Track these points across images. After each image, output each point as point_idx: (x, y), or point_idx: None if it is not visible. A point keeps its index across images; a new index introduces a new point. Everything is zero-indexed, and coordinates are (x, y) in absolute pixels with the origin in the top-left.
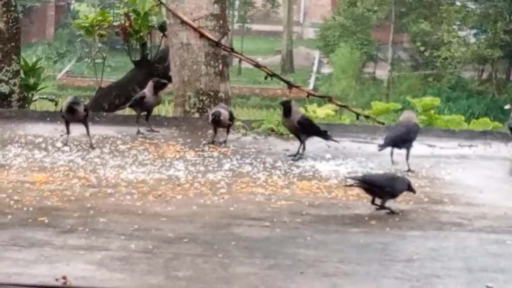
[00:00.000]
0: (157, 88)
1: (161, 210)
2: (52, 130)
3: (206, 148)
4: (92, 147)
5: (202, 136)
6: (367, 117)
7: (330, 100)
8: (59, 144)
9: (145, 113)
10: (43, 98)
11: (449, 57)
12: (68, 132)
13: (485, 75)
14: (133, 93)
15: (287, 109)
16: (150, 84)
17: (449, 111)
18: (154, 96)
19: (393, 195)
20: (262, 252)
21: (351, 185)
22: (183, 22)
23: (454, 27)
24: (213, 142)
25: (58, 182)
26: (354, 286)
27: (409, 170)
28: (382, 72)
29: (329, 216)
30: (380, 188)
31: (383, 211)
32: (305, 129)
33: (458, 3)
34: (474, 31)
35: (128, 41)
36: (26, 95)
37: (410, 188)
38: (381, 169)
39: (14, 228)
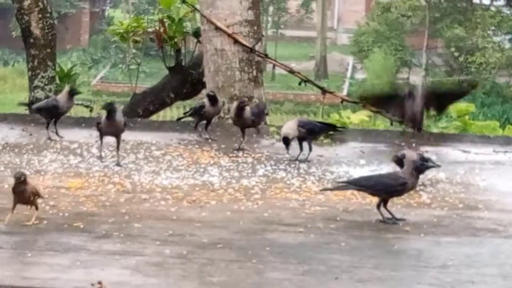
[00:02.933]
0: (215, 99)
1: (195, 216)
2: (87, 135)
3: (240, 153)
4: (118, 164)
5: (237, 142)
6: (401, 122)
7: (364, 106)
8: (94, 150)
9: (205, 122)
10: (78, 104)
11: (484, 63)
12: (101, 144)
13: None
14: (167, 99)
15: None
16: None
17: (483, 117)
18: (213, 107)
19: (386, 193)
20: (296, 257)
21: (335, 189)
22: (217, 28)
23: (489, 32)
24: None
25: (93, 188)
26: None
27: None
28: (416, 78)
29: (363, 222)
30: (369, 188)
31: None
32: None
33: (493, 8)
34: (509, 36)
35: (163, 47)
36: None
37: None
38: None
39: (49, 233)
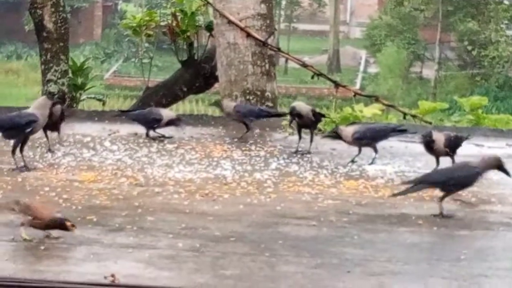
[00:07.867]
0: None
1: (208, 209)
2: (100, 129)
3: (253, 147)
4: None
5: (249, 136)
6: (414, 116)
7: (376, 99)
8: (107, 143)
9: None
10: (90, 97)
11: (497, 56)
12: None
13: None
14: (180, 93)
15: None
16: None
17: (497, 111)
18: None
19: (462, 186)
20: (309, 251)
21: (408, 192)
22: (230, 21)
23: (502, 26)
24: (297, 152)
25: (106, 181)
26: (401, 285)
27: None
28: (429, 72)
29: (376, 216)
30: (442, 184)
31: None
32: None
33: (506, 2)
34: None
35: (175, 41)
36: (74, 94)
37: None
38: (428, 168)
39: None
